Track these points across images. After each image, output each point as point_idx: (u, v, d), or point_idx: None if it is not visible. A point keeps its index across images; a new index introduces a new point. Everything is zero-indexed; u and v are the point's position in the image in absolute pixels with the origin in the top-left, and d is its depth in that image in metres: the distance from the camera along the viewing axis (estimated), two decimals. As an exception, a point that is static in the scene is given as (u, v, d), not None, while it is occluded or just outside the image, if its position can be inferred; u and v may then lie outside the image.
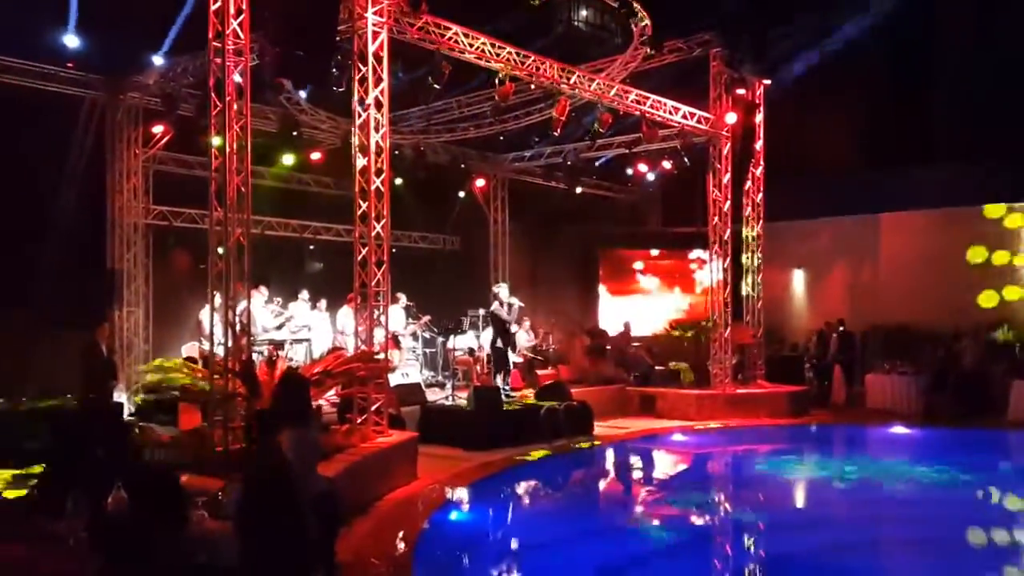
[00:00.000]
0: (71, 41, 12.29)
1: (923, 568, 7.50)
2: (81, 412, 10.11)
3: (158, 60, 12.94)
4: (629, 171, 18.30)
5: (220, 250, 8.97)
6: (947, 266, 17.97)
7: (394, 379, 12.33)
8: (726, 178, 15.40)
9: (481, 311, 15.08)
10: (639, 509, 10.16)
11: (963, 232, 17.92)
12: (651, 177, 17.92)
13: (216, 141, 9.07)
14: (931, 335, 17.08)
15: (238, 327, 8.93)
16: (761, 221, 16.08)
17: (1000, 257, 17.58)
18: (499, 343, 13.66)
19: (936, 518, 9.04)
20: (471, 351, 15.42)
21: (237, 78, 9.04)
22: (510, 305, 13.65)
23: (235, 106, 9.01)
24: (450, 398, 13.16)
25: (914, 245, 18.61)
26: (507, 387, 13.65)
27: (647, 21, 13.11)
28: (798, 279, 20.52)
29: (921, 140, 18.57)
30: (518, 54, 11.90)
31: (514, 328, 14.08)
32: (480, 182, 18.99)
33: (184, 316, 14.12)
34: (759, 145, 15.65)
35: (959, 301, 17.58)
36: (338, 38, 9.68)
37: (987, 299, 17.63)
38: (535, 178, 18.98)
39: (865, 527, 8.78)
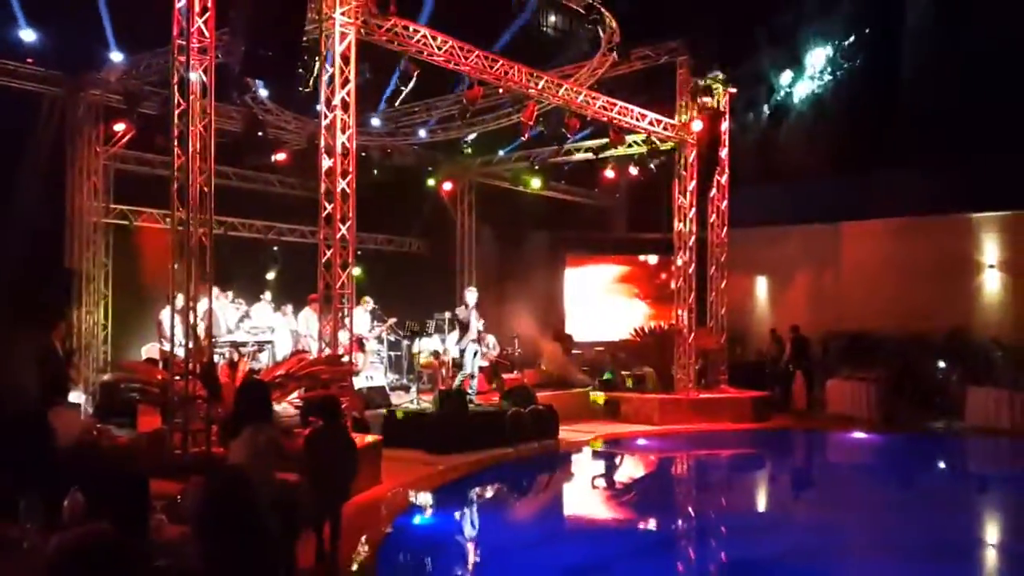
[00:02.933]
0: (27, 36, 12.06)
1: (882, 572, 7.59)
2: (36, 414, 9.88)
3: (119, 57, 12.74)
4: (597, 176, 18.38)
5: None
6: (906, 273, 18.25)
7: (359, 382, 12.24)
8: (691, 185, 15.52)
9: (447, 314, 15.02)
10: (602, 512, 10.20)
11: (925, 240, 18.20)
12: (618, 183, 18.03)
13: (179, 140, 8.95)
14: (890, 341, 17.36)
15: (200, 329, 8.81)
16: (725, 228, 16.24)
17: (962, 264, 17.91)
18: (462, 346, 13.67)
19: (890, 522, 9.19)
20: (437, 354, 15.35)
21: (201, 76, 8.93)
22: (472, 309, 13.68)
23: (198, 105, 8.90)
24: (415, 401, 13.09)
25: (875, 252, 18.88)
26: (471, 392, 13.62)
27: (615, 28, 13.19)
28: (761, 285, 20.73)
29: (884, 149, 18.86)
30: (486, 57, 11.90)
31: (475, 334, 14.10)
32: (448, 185, 18.96)
33: (144, 317, 13.86)
34: (724, 152, 15.82)
35: (919, 308, 17.88)
36: (305, 38, 9.60)
37: (948, 306, 17.92)
38: (502, 181, 19.00)
39: (824, 531, 8.90)
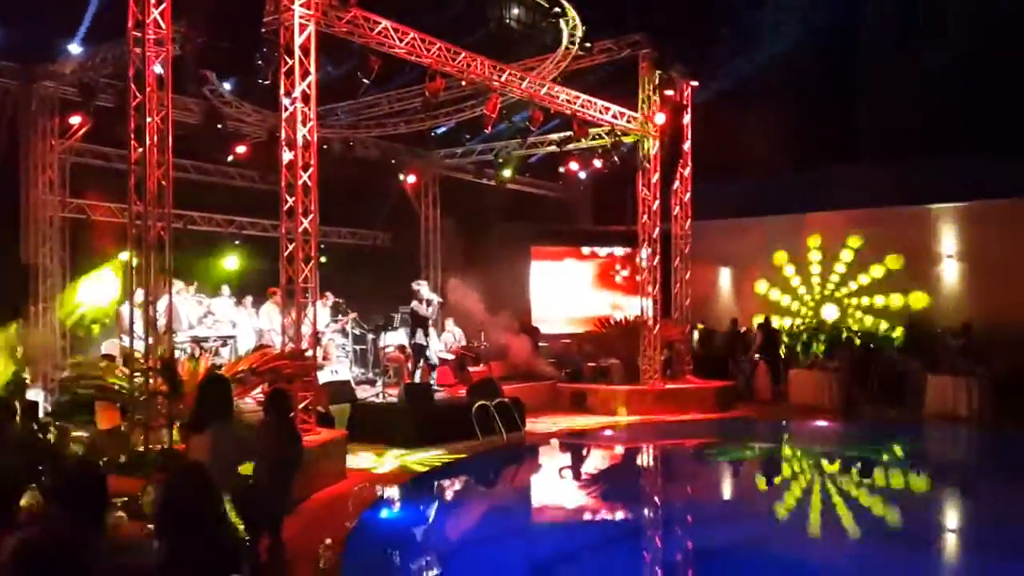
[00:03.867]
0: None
1: (849, 559, 7.70)
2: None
3: (75, 49, 12.50)
4: (561, 169, 18.40)
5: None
6: (863, 263, 18.57)
7: (323, 376, 12.16)
8: (655, 177, 15.61)
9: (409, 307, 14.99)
10: (568, 504, 10.23)
11: (885, 231, 18.48)
12: (582, 175, 18.07)
13: (136, 133, 8.81)
14: (851, 331, 17.67)
15: (159, 323, 8.69)
16: (689, 220, 16.37)
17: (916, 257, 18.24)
18: (418, 339, 13.67)
19: (856, 510, 9.36)
20: (402, 348, 15.31)
21: (158, 68, 8.79)
22: (429, 302, 13.67)
23: (156, 97, 8.76)
24: (381, 395, 13.04)
25: (836, 243, 19.15)
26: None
27: (577, 21, 13.20)
28: (725, 277, 20.93)
29: (845, 142, 19.12)
30: (448, 50, 11.84)
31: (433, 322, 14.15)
32: (411, 178, 18.87)
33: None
34: (687, 145, 15.94)
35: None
36: (264, 30, 9.48)
37: (915, 299, 18.24)
38: (466, 175, 18.95)
39: (785, 520, 9.03)
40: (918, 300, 18.09)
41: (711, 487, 11.08)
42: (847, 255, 18.91)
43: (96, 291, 13.29)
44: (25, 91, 13.31)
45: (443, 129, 16.12)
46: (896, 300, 18.28)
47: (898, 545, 7.99)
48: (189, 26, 9.02)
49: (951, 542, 8.52)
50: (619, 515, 9.64)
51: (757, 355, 17.38)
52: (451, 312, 16.53)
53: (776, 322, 18.77)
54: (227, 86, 13.37)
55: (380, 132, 16.35)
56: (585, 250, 20.91)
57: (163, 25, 8.78)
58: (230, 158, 14.72)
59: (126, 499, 6.19)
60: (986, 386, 14.37)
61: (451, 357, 15.40)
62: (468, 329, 16.49)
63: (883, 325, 18.09)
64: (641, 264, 15.93)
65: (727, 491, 11.11)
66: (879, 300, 18.43)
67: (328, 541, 7.19)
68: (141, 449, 8.13)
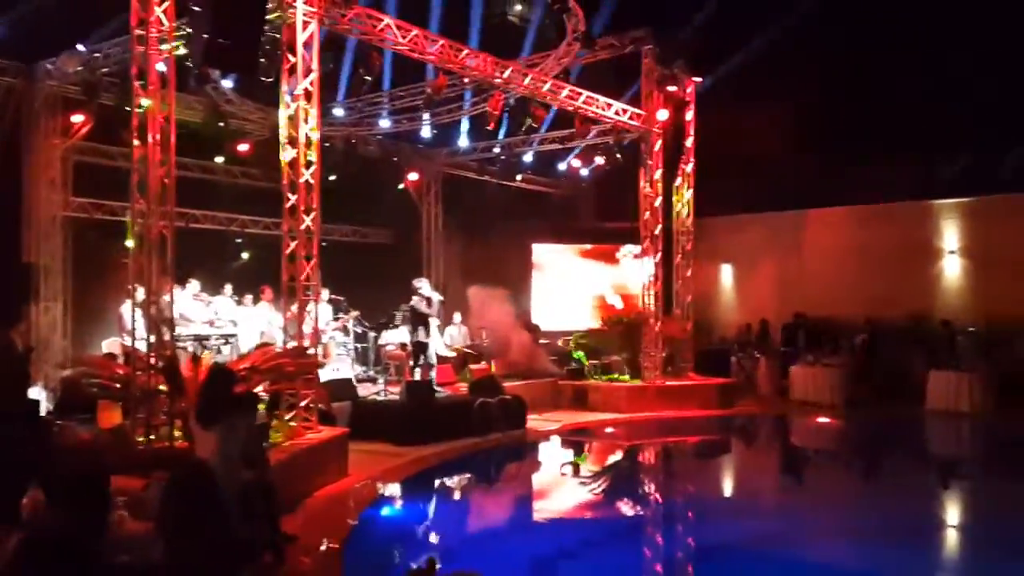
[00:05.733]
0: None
1: (851, 556, 7.70)
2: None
3: (78, 47, 12.49)
4: (563, 166, 18.40)
5: (129, 243, 8.72)
6: (867, 259, 18.52)
7: (325, 374, 12.17)
8: (657, 174, 15.59)
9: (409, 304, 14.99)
10: (571, 502, 10.24)
11: (885, 226, 18.45)
12: (585, 172, 18.08)
13: (139, 131, 8.81)
14: (852, 328, 17.62)
15: (161, 322, 8.69)
16: (691, 216, 16.36)
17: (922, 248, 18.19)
18: (418, 337, 13.69)
19: (855, 505, 9.36)
20: (403, 346, 15.31)
21: (161, 67, 8.79)
22: (429, 299, 13.67)
23: (159, 96, 8.76)
24: (382, 393, 13.05)
25: (837, 239, 19.12)
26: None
27: (580, 17, 13.18)
28: (727, 273, 20.91)
29: (848, 138, 19.05)
30: (451, 47, 11.84)
31: (435, 322, 14.13)
32: (413, 176, 18.86)
33: (104, 311, 13.66)
34: (690, 142, 15.92)
35: (881, 294, 18.17)
36: (267, 27, 9.48)
37: (909, 292, 18.20)
38: (469, 172, 18.94)
39: (792, 515, 9.04)
40: (920, 296, 18.06)
41: (712, 482, 11.09)
42: (850, 250, 18.86)
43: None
44: (28, 89, 13.31)
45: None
46: (898, 295, 18.24)
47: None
48: (192, 24, 9.01)
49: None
50: (619, 511, 9.64)
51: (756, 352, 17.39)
52: (463, 312, 16.50)
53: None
54: (228, 83, 13.34)
55: (382, 129, 16.34)
56: (587, 247, 20.90)
57: (166, 23, 8.77)
58: (220, 159, 14.73)
59: (128, 497, 6.19)
60: (987, 381, 14.37)
61: (453, 355, 15.40)
62: (469, 327, 16.47)
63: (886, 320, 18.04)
64: (643, 261, 15.90)
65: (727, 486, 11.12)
66: (880, 295, 18.38)
67: (329, 538, 7.21)
68: (143, 447, 8.13)
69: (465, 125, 16.80)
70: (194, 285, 13.50)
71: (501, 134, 16.26)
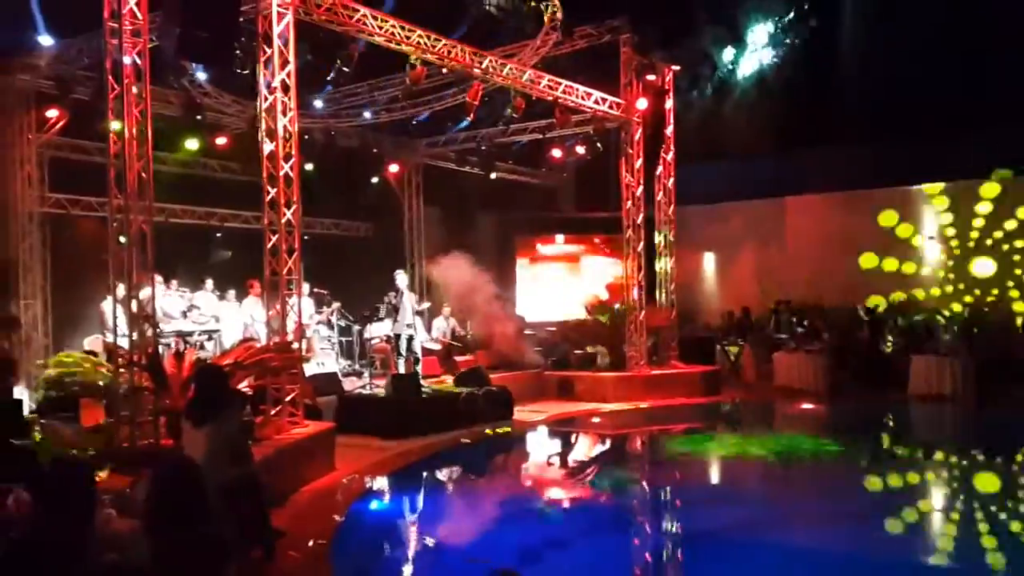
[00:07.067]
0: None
1: (837, 541, 7.73)
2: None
3: (50, 40, 12.30)
4: (544, 156, 18.35)
5: (122, 239, 8.62)
6: (846, 245, 18.65)
7: (310, 369, 12.10)
8: (638, 163, 15.59)
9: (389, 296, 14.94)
10: (559, 493, 10.24)
11: (862, 212, 18.57)
12: (566, 162, 18.06)
13: (115, 126, 8.69)
14: (834, 313, 17.75)
15: (143, 319, 8.60)
16: (672, 205, 16.39)
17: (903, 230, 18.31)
18: (397, 330, 13.67)
19: (840, 491, 9.43)
20: (388, 339, 15.25)
21: (135, 60, 8.67)
22: (399, 291, 13.71)
23: (134, 89, 8.64)
24: (368, 387, 13.00)
25: (817, 226, 19.22)
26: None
27: (557, 6, 13.13)
28: (709, 261, 20.99)
29: (824, 125, 19.16)
30: (429, 37, 11.75)
31: (410, 317, 14.09)
32: (394, 167, 18.77)
33: (85, 308, 13.51)
34: (670, 131, 15.93)
35: (861, 280, 18.34)
36: (242, 19, 9.37)
37: (888, 277, 18.37)
38: (449, 163, 18.87)
39: (777, 502, 9.08)
40: (898, 282, 18.23)
41: (698, 470, 11.13)
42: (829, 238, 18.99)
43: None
44: (0, 84, 13.10)
45: (425, 117, 15.96)
46: (877, 281, 18.41)
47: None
48: (166, 15, 8.88)
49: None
50: (606, 501, 9.64)
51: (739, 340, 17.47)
52: (442, 294, 16.42)
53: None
54: (202, 75, 13.18)
55: (361, 121, 16.23)
56: (570, 237, 20.90)
57: (139, 15, 8.65)
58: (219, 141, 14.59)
59: (114, 495, 6.14)
60: (969, 366, 14.50)
61: (438, 347, 15.36)
62: (459, 314, 16.40)
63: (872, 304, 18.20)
64: (625, 251, 15.90)
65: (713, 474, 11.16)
66: (861, 281, 18.54)
67: (317, 534, 7.17)
68: (128, 445, 8.05)
69: (445, 116, 16.72)
70: (172, 283, 13.40)
71: (481, 124, 16.20)
